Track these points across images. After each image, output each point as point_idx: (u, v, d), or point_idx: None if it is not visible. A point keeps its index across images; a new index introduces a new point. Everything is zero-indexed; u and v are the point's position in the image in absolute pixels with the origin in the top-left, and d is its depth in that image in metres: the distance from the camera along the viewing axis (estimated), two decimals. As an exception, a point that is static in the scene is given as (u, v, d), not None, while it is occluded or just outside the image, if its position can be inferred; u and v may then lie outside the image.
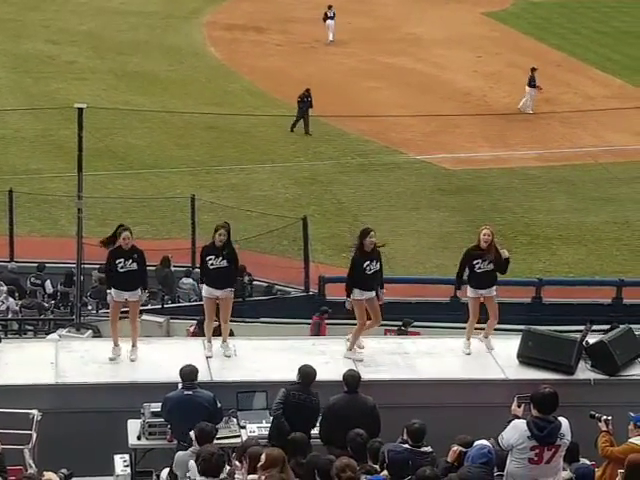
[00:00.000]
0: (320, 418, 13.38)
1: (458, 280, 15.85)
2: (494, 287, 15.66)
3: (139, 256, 15.07)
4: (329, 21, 50.17)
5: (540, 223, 32.86)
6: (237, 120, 39.01)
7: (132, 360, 15.25)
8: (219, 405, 13.56)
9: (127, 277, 15.06)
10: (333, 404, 13.19)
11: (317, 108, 39.96)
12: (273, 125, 39.37)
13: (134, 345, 15.39)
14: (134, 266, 15.01)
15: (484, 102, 42.96)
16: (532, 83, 41.95)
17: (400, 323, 23.27)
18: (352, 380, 13.33)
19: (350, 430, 11.89)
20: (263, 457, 10.23)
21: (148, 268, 26.08)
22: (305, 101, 38.77)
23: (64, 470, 10.47)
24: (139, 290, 15.29)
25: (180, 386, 13.73)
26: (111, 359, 15.26)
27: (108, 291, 15.34)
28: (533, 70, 42.24)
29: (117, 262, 15.00)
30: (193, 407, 13.26)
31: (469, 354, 15.89)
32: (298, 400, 13.27)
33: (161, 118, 38.81)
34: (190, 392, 13.45)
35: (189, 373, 13.65)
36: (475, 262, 15.42)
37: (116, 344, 15.37)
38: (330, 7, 50.25)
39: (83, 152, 23.01)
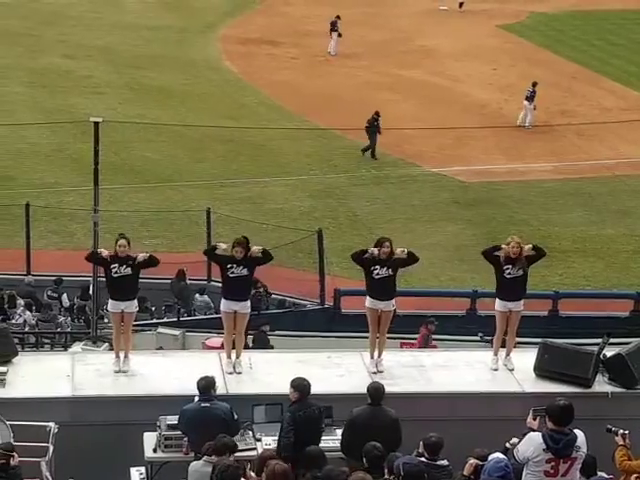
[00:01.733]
0: (342, 429, 13.36)
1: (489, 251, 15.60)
2: (522, 301, 15.54)
3: (134, 263, 15.02)
4: (333, 33, 50.29)
5: (557, 236, 32.78)
6: (252, 133, 39.09)
7: (124, 372, 15.25)
8: (236, 417, 13.55)
9: (121, 283, 15.03)
10: (356, 416, 13.13)
11: (331, 121, 40.01)
12: (288, 138, 39.42)
13: (126, 356, 15.39)
14: (128, 271, 14.97)
15: (500, 114, 42.92)
16: (531, 97, 41.67)
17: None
18: (375, 392, 13.29)
19: (372, 442, 11.83)
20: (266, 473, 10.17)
21: (164, 281, 26.64)
22: (374, 125, 38.11)
23: None
24: (135, 301, 15.30)
25: (197, 398, 13.74)
26: (115, 372, 15.27)
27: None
28: (534, 85, 42.03)
29: (112, 267, 15.02)
30: (210, 419, 13.25)
31: (496, 370, 15.82)
32: (305, 417, 13.13)
33: (177, 132, 38.92)
34: (207, 404, 13.45)
35: (206, 385, 13.64)
36: (505, 267, 15.35)
37: (117, 356, 15.41)
38: (338, 18, 50.35)
39: (99, 166, 23.06)
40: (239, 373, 15.36)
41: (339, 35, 50.14)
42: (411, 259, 15.40)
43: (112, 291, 15.34)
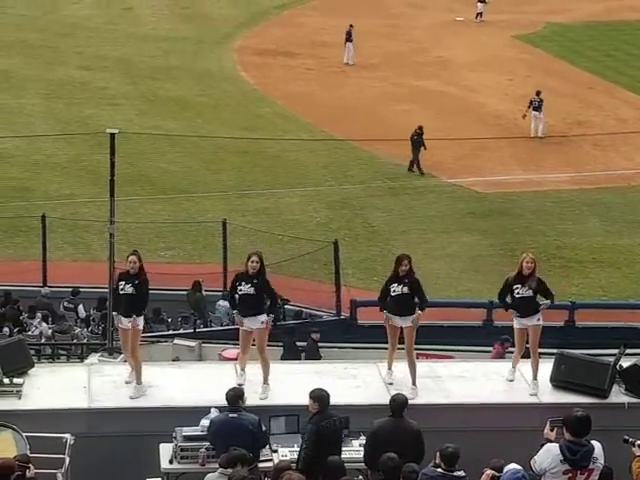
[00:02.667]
0: (364, 442, 13.32)
1: (502, 302, 15.71)
2: (537, 316, 15.39)
3: (140, 283, 14.98)
4: (348, 43, 50.34)
5: (573, 246, 32.70)
6: (268, 144, 39.17)
7: (127, 382, 15.23)
8: (264, 428, 13.53)
9: (123, 300, 15.05)
10: (378, 428, 13.07)
11: (347, 132, 40.04)
12: (304, 149, 39.48)
13: (139, 382, 15.20)
14: (130, 290, 14.96)
15: (515, 125, 42.88)
16: (540, 107, 41.61)
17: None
18: (396, 404, 13.25)
19: (394, 454, 11.77)
20: None
21: (180, 292, 26.66)
22: (418, 140, 37.77)
23: None
24: (141, 318, 15.24)
25: (213, 410, 13.72)
26: (127, 382, 15.27)
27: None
28: (538, 93, 41.94)
29: (119, 284, 15.09)
30: (237, 430, 13.21)
31: (512, 380, 15.76)
32: (328, 429, 13.10)
33: (193, 143, 39.02)
34: (235, 415, 13.41)
35: (234, 396, 13.62)
36: (515, 287, 15.31)
37: (131, 367, 15.39)
38: (351, 27, 50.43)
39: (115, 177, 23.12)
40: (262, 399, 15.05)
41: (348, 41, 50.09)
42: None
43: (117, 307, 15.39)
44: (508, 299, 15.54)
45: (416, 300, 15.38)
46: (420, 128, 37.96)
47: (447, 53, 52.65)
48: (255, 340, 15.27)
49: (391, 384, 15.47)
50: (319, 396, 13.19)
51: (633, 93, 47.57)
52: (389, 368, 15.70)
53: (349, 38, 50.38)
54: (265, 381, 15.26)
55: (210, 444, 13.51)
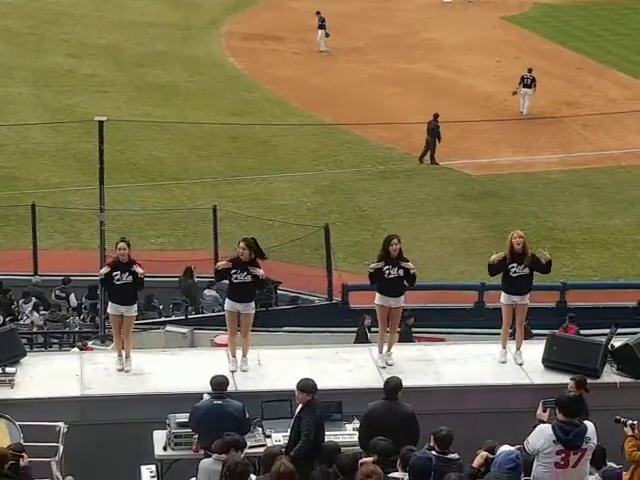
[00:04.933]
0: (359, 425, 13.35)
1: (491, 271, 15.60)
2: (528, 295, 15.50)
3: (135, 270, 15.02)
4: (319, 30, 50.11)
5: (563, 227, 32.74)
6: (257, 130, 39.11)
7: (126, 371, 15.27)
8: (247, 415, 13.54)
9: (123, 290, 15.08)
10: (371, 410, 13.10)
11: (337, 116, 39.99)
12: (293, 134, 39.41)
13: (128, 356, 15.40)
14: (130, 279, 15.00)
15: (504, 107, 42.86)
16: (531, 84, 41.73)
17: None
18: (389, 387, 13.26)
19: (389, 437, 11.79)
20: (272, 473, 10.12)
21: (171, 279, 26.65)
22: (436, 130, 36.98)
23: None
24: (135, 306, 15.35)
25: (206, 396, 13.75)
26: (118, 370, 15.30)
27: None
28: (530, 71, 42.02)
29: (114, 274, 15.05)
30: (222, 416, 13.25)
31: (504, 362, 15.79)
32: (321, 416, 13.18)
33: (182, 129, 38.93)
34: (220, 401, 13.46)
35: (220, 383, 13.67)
36: (510, 266, 15.28)
37: (119, 354, 15.46)
38: (318, 13, 50.19)
39: (104, 165, 23.10)
40: (244, 371, 15.34)
41: (327, 35, 49.82)
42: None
43: (112, 296, 15.40)
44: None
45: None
46: (435, 116, 37.21)
47: (435, 35, 52.56)
48: (241, 324, 15.29)
49: (384, 367, 15.50)
50: (306, 385, 13.14)
51: (622, 73, 47.55)
52: (380, 352, 15.72)
53: (321, 25, 50.03)
54: (244, 355, 15.37)
55: (193, 430, 13.52)
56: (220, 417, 13.24)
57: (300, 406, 13.17)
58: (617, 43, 52.02)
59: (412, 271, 15.24)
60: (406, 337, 22.30)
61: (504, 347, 15.89)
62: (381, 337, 15.74)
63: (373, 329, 19.72)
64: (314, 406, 13.08)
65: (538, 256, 15.39)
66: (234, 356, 15.43)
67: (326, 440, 13.09)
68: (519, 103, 42.02)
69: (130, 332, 15.54)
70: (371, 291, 15.83)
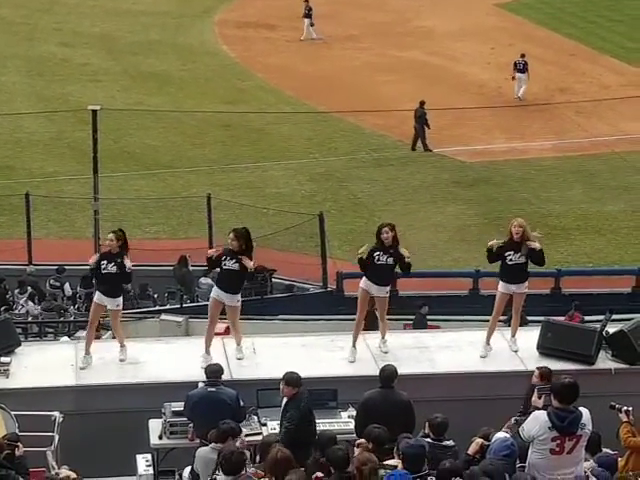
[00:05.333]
0: (355, 413, 13.36)
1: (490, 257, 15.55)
2: (525, 283, 15.43)
3: (122, 262, 14.95)
4: (305, 19, 49.95)
5: (557, 214, 32.75)
6: (251, 118, 39.05)
7: (121, 360, 15.22)
8: (242, 403, 13.54)
9: (106, 280, 15.00)
10: (367, 399, 13.09)
11: (330, 104, 39.92)
12: (287, 122, 39.37)
13: (122, 345, 15.34)
14: (113, 269, 14.91)
15: (498, 94, 42.86)
16: (524, 69, 41.83)
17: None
18: (386, 375, 13.26)
19: (385, 425, 11.78)
20: (268, 460, 10.10)
21: (166, 267, 26.62)
22: (423, 118, 36.84)
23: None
24: (120, 299, 15.18)
25: (201, 384, 13.75)
26: (81, 368, 15.06)
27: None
28: (523, 56, 42.15)
29: (101, 263, 15.02)
30: (216, 404, 13.25)
31: (485, 357, 15.67)
32: (307, 408, 13.10)
33: (175, 118, 38.88)
34: (213, 389, 13.46)
35: (214, 371, 13.67)
36: (507, 254, 15.23)
37: (87, 352, 15.22)
38: (305, 1, 50.06)
39: (98, 154, 23.12)
40: (239, 359, 15.31)
41: (312, 24, 49.73)
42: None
43: (98, 284, 15.33)
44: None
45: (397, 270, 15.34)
46: (422, 104, 37.18)
47: (428, 23, 52.48)
48: (228, 315, 15.26)
49: (353, 362, 15.36)
50: (291, 378, 13.08)
51: (616, 59, 47.52)
52: (354, 345, 15.51)
53: (307, 14, 49.90)
54: (238, 343, 15.33)
55: (187, 418, 13.51)
56: (214, 405, 13.24)
57: (285, 399, 13.14)
58: (611, 29, 51.98)
59: (407, 259, 15.18)
60: (421, 326, 22.33)
61: (488, 342, 15.71)
62: (357, 324, 15.48)
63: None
64: (299, 399, 13.03)
65: (530, 245, 15.22)
66: (208, 352, 15.18)
67: (322, 428, 13.12)
68: (514, 89, 42.08)
69: (118, 325, 15.41)
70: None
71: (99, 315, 15.39)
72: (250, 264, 14.98)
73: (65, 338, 21.23)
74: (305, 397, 13.15)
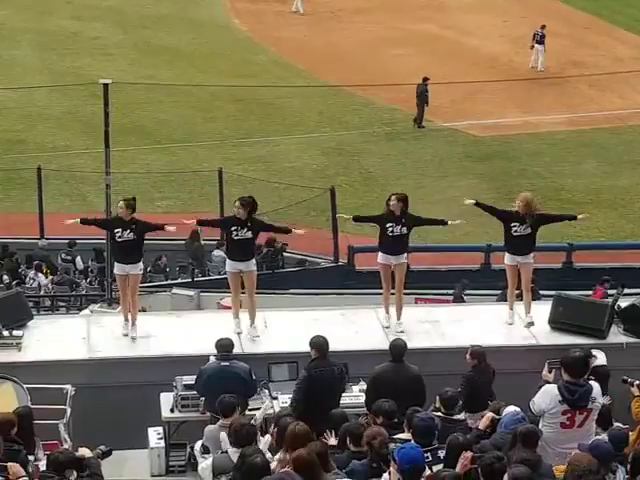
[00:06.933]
0: (366, 387, 13.37)
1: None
2: (531, 255, 15.48)
3: (137, 227, 14.99)
4: None
5: (570, 188, 32.66)
6: (262, 92, 38.97)
7: (132, 338, 15.20)
8: (254, 377, 13.56)
9: (125, 248, 15.03)
10: (378, 373, 13.11)
11: (342, 78, 39.80)
12: (299, 96, 39.27)
13: (133, 323, 15.29)
14: (131, 236, 14.95)
15: (511, 67, 42.66)
16: (542, 40, 41.89)
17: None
18: (396, 349, 13.27)
19: (395, 398, 11.79)
20: (287, 435, 10.09)
21: (178, 242, 26.67)
22: (424, 94, 36.57)
23: (102, 447, 10.48)
24: (140, 264, 15.26)
25: (212, 358, 13.76)
26: (124, 335, 15.24)
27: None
28: (543, 27, 42.20)
29: (115, 231, 15.03)
30: (228, 378, 13.24)
31: (512, 324, 15.78)
32: (321, 375, 13.05)
33: (187, 92, 38.80)
34: (227, 363, 13.45)
35: (226, 345, 13.65)
36: (512, 225, 15.29)
37: (126, 319, 15.36)
38: None
39: (110, 128, 23.04)
40: (257, 336, 15.26)
41: None
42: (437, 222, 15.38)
43: (116, 254, 15.42)
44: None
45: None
46: (425, 80, 37.03)
47: (441, -5, 52.21)
48: (245, 283, 15.28)
49: (388, 327, 15.51)
50: (317, 342, 13.19)
51: (629, 32, 47.25)
52: (387, 312, 15.72)
53: None
54: (253, 323, 15.33)
55: (199, 393, 13.51)
56: (226, 379, 13.24)
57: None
58: (625, 2, 51.58)
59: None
60: (459, 300, 22.35)
61: (511, 308, 15.87)
62: (385, 297, 15.69)
63: (367, 290, 19.74)
64: (317, 364, 13.03)
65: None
66: (237, 317, 15.38)
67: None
68: (531, 59, 41.98)
69: (136, 292, 15.48)
70: (377, 253, 15.78)
71: (126, 285, 15.33)
72: (300, 232, 15.68)
73: (86, 311, 21.25)
74: (330, 369, 13.05)
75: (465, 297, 23.28)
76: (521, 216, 15.24)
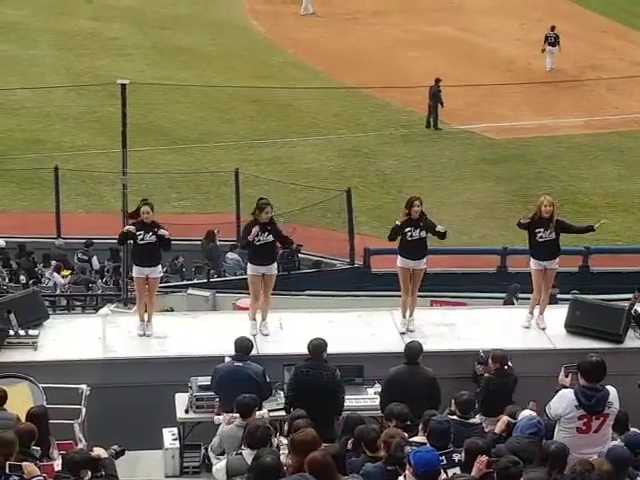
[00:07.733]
0: (380, 390, 13.35)
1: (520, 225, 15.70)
2: (557, 259, 15.51)
3: (158, 232, 15.04)
4: None
5: (587, 191, 32.57)
6: (280, 93, 38.96)
7: (147, 336, 15.29)
8: (268, 379, 13.56)
9: (146, 250, 15.08)
10: (393, 375, 13.11)
11: (359, 80, 39.77)
12: (316, 97, 39.26)
13: (149, 320, 15.41)
14: (152, 239, 15.01)
15: (528, 70, 42.58)
16: (555, 42, 42.04)
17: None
18: (411, 351, 13.24)
19: (410, 401, 11.76)
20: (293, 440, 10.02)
21: (194, 242, 26.69)
22: (437, 96, 36.48)
23: (115, 446, 10.49)
24: (159, 267, 15.37)
25: (227, 359, 13.76)
26: (140, 335, 15.31)
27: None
28: (553, 29, 42.38)
29: (138, 234, 15.07)
30: (242, 379, 13.26)
31: (528, 328, 15.76)
32: (308, 377, 13.07)
33: (204, 93, 38.84)
34: (240, 364, 13.46)
35: (243, 346, 13.67)
36: (537, 231, 15.29)
37: (142, 319, 15.43)
38: None
39: (127, 128, 23.07)
40: (266, 335, 15.35)
41: None
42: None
43: (136, 257, 15.43)
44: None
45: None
46: (437, 81, 36.95)
47: (459, -2, 52.16)
48: (265, 285, 15.31)
49: (404, 333, 15.48)
50: (310, 344, 13.24)
51: (647, 36, 47.12)
52: (404, 316, 15.69)
53: None
54: (264, 319, 15.40)
55: (214, 392, 13.55)
56: (239, 379, 13.25)
57: None
58: (642, 5, 51.47)
59: (439, 228, 15.18)
60: (509, 303, 22.25)
61: (531, 312, 15.83)
62: (403, 302, 15.69)
63: (383, 292, 19.73)
64: (307, 364, 13.14)
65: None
66: (254, 319, 15.43)
67: (348, 404, 13.12)
68: (545, 61, 42.01)
69: (154, 294, 15.56)
70: (393, 255, 15.78)
71: (144, 287, 15.38)
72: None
73: (104, 310, 21.29)
74: (317, 371, 13.06)
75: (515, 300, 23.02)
76: (545, 220, 15.21)
